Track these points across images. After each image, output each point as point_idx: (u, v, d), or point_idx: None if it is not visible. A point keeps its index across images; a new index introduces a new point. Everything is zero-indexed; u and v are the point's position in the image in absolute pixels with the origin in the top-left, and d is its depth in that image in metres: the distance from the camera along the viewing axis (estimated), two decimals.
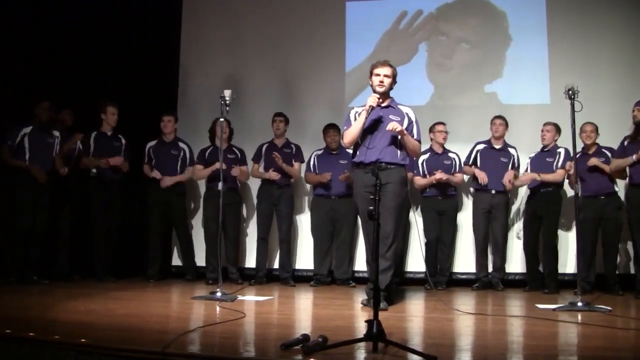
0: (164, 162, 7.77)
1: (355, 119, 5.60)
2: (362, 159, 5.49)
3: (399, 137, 5.45)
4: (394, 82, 5.62)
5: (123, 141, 7.79)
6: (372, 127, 5.50)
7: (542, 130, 7.15)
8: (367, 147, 5.48)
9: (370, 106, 5.37)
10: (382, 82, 5.54)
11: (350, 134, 5.55)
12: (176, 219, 7.91)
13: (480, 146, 7.47)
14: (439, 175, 7.22)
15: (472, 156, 7.46)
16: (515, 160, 7.37)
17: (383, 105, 5.57)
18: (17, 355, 3.68)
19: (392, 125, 5.33)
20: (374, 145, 5.47)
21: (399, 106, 5.69)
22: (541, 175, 6.96)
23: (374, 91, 5.58)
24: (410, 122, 5.63)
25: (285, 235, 7.69)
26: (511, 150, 7.39)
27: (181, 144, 7.90)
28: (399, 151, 5.53)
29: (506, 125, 7.38)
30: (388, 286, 5.50)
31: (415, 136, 5.62)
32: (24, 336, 3.79)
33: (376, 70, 5.59)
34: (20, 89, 7.73)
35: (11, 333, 3.86)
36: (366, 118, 5.41)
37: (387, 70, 5.56)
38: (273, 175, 7.51)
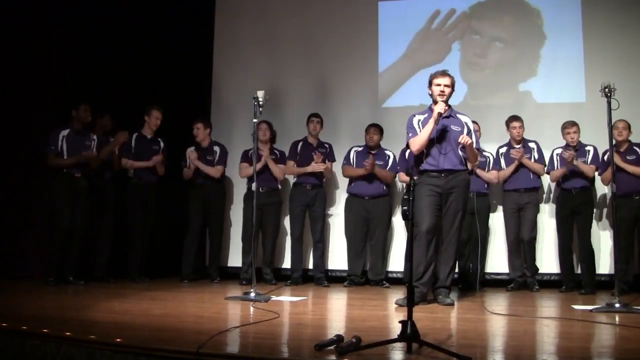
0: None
1: (419, 126, 5.81)
2: (431, 167, 5.74)
3: (465, 147, 5.68)
4: (452, 90, 5.80)
5: (162, 144, 7.89)
6: (437, 136, 5.71)
7: (569, 132, 7.02)
8: (434, 156, 5.73)
9: (439, 113, 5.58)
10: (442, 92, 5.73)
11: (419, 142, 5.76)
12: (212, 220, 7.94)
13: (503, 149, 7.43)
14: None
15: (500, 160, 7.41)
16: (535, 154, 7.30)
17: (444, 115, 5.73)
18: (54, 355, 3.73)
19: (465, 139, 5.59)
20: (442, 154, 5.71)
21: (457, 115, 5.90)
22: (579, 163, 6.87)
23: (434, 101, 5.76)
24: (469, 132, 5.85)
25: (320, 236, 7.70)
26: (531, 145, 7.34)
27: (215, 147, 7.96)
28: (463, 158, 5.80)
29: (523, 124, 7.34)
30: (451, 283, 5.89)
31: (474, 145, 5.82)
32: (61, 335, 3.84)
33: (436, 81, 5.76)
34: (58, 93, 7.86)
35: (49, 332, 3.92)
36: (435, 126, 5.61)
37: (447, 80, 5.74)
38: (317, 167, 7.48)
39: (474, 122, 7.38)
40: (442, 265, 5.83)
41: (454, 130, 5.75)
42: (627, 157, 6.83)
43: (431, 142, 5.72)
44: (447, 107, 5.75)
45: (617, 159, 6.68)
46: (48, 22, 7.94)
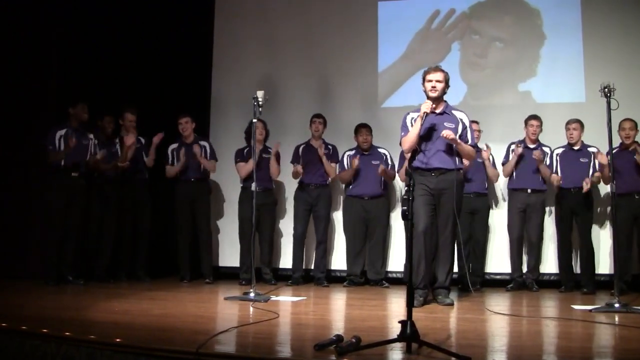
0: (187, 163, 7.77)
1: (412, 124, 5.75)
2: (422, 165, 5.68)
3: (452, 142, 5.62)
4: (446, 86, 5.74)
5: (142, 141, 7.88)
6: (428, 134, 5.66)
7: (569, 129, 7.06)
8: (425, 154, 5.68)
9: (424, 112, 5.53)
10: (434, 87, 5.67)
11: (408, 141, 5.73)
12: (200, 218, 7.86)
13: (514, 146, 7.39)
14: (486, 152, 7.19)
15: (510, 156, 7.39)
16: (549, 158, 7.28)
17: (437, 111, 5.70)
18: (54, 355, 3.73)
19: (446, 133, 5.52)
20: (433, 152, 5.66)
21: (453, 111, 5.83)
22: (590, 182, 6.88)
23: (427, 97, 5.71)
24: (464, 128, 5.79)
25: (323, 237, 7.70)
26: (546, 149, 7.31)
27: (202, 142, 7.92)
28: (455, 156, 5.70)
29: (541, 125, 7.32)
30: (450, 283, 5.83)
31: (470, 141, 5.80)
32: (61, 335, 3.84)
33: (428, 77, 5.71)
34: (58, 93, 7.86)
35: (49, 332, 3.92)
36: (421, 125, 5.56)
37: (439, 76, 5.69)
38: (298, 168, 7.50)
39: (474, 121, 7.41)
40: (440, 266, 5.81)
41: (447, 128, 5.66)
42: (634, 157, 6.81)
43: (421, 141, 5.68)
44: (434, 105, 5.64)
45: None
46: (48, 22, 7.94)
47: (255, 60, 8.74)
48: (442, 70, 5.72)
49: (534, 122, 7.28)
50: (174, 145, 7.86)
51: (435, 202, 5.72)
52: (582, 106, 7.55)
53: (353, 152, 7.69)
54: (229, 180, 8.31)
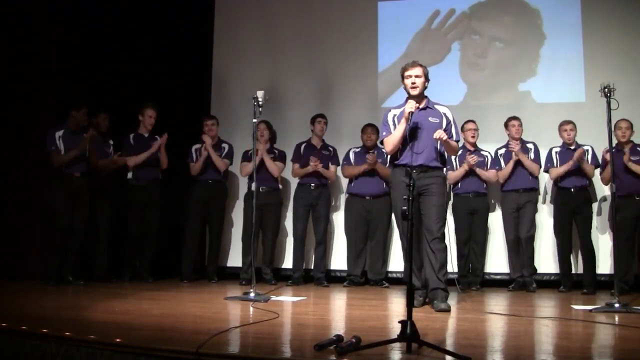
0: (210, 163, 7.81)
1: (394, 122, 5.61)
2: (407, 162, 5.45)
3: (441, 141, 5.45)
4: (426, 81, 5.57)
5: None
6: (413, 131, 5.45)
7: (566, 130, 7.09)
8: (411, 151, 5.44)
9: (410, 112, 5.31)
10: (414, 83, 5.50)
11: (392, 142, 5.54)
12: (212, 220, 7.92)
13: (502, 150, 7.44)
14: (472, 160, 7.18)
15: (500, 160, 7.43)
16: (532, 154, 7.31)
17: (420, 107, 5.54)
18: (54, 355, 3.73)
19: (439, 134, 5.34)
20: (418, 149, 5.45)
21: (435, 106, 5.67)
22: (582, 163, 6.93)
23: (408, 94, 5.57)
24: (448, 122, 5.63)
25: (322, 237, 7.70)
26: (529, 145, 7.36)
27: (223, 144, 7.99)
28: (439, 153, 5.56)
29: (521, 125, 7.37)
30: (446, 283, 5.51)
31: (454, 137, 5.65)
32: (61, 335, 3.84)
33: (407, 73, 5.55)
34: (58, 93, 7.86)
35: (49, 332, 3.92)
36: (407, 125, 5.36)
37: (418, 71, 5.52)
38: (317, 165, 7.47)
39: (471, 121, 7.44)
40: (433, 267, 5.49)
41: (431, 123, 5.52)
42: (631, 158, 6.81)
43: (406, 139, 5.47)
44: (418, 105, 5.47)
45: (625, 159, 6.72)
46: (48, 22, 7.94)
47: (256, 60, 8.75)
48: (421, 65, 5.56)
49: (514, 122, 7.33)
50: (197, 146, 7.88)
51: (420, 201, 5.50)
52: (582, 106, 7.56)
53: (359, 149, 7.70)
54: (232, 181, 8.33)
